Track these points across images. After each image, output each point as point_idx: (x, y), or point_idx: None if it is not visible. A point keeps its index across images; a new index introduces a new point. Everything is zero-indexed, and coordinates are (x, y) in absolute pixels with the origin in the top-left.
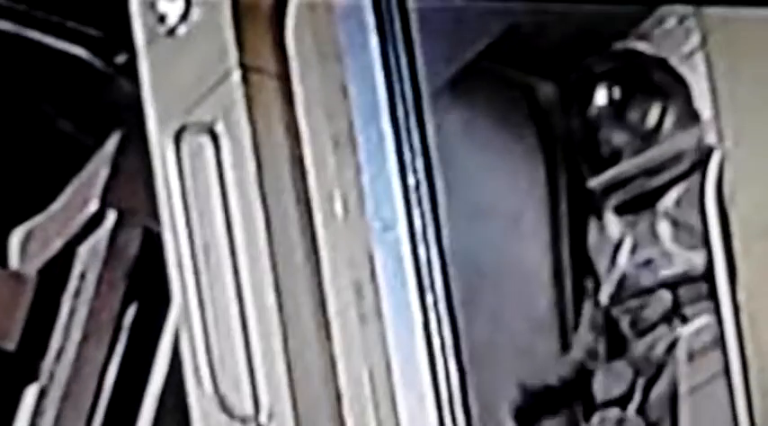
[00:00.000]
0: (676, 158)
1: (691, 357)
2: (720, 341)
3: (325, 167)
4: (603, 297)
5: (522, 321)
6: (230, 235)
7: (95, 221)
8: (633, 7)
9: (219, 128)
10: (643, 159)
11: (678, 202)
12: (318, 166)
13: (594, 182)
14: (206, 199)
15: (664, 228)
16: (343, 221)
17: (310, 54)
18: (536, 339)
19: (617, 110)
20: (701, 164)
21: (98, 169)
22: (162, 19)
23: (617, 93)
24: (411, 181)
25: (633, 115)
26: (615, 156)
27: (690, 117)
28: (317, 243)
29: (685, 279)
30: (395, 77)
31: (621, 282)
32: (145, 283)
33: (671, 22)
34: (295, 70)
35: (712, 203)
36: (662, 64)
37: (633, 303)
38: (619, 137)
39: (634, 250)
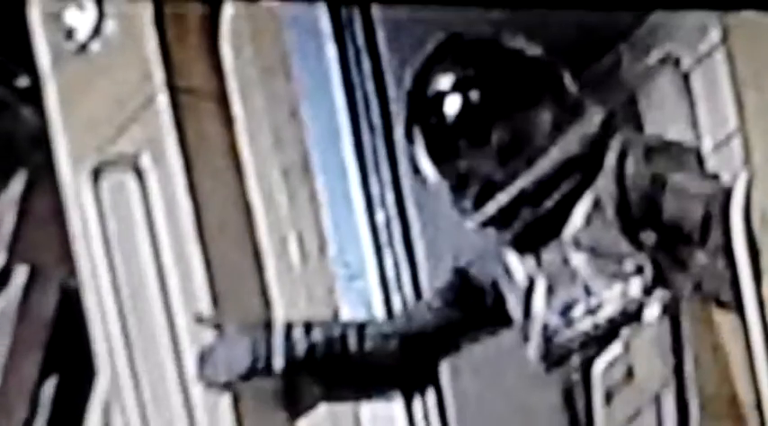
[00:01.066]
0: (565, 168)
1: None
2: None
3: (275, 204)
4: (532, 355)
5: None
6: (163, 288)
7: (2, 279)
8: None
9: (145, 162)
10: (525, 180)
11: (588, 221)
12: (267, 203)
13: (473, 221)
14: (132, 247)
15: (578, 259)
16: (301, 267)
17: (252, 70)
18: None
19: (473, 129)
20: (594, 164)
21: (1, 216)
22: (70, 34)
23: (465, 106)
24: (380, 218)
25: (499, 133)
26: (489, 186)
27: (569, 112)
28: (270, 294)
29: (623, 318)
30: (358, 95)
31: (548, 336)
32: (65, 350)
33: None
34: (234, 90)
35: (740, 228)
36: (519, 54)
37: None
38: (485, 163)
39: (549, 292)
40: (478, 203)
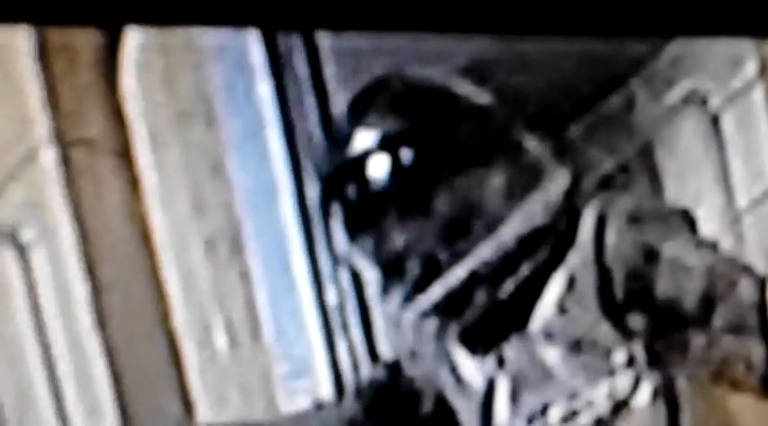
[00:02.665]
0: (527, 243)
1: None
2: None
3: (196, 284)
4: None
5: None
6: (57, 398)
7: None
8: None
9: (28, 234)
10: (476, 258)
11: (561, 308)
12: (186, 283)
13: (411, 312)
14: (14, 346)
15: (551, 355)
16: (230, 359)
17: (164, 115)
18: None
19: (407, 196)
20: (564, 237)
21: None
22: None
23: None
24: (331, 297)
25: (440, 201)
26: (431, 267)
27: (527, 175)
28: (192, 396)
29: (611, 417)
30: (301, 143)
31: None
32: None
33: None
34: (142, 140)
35: None
36: (464, 103)
37: None
38: (424, 239)
39: (515, 397)
40: (418, 288)
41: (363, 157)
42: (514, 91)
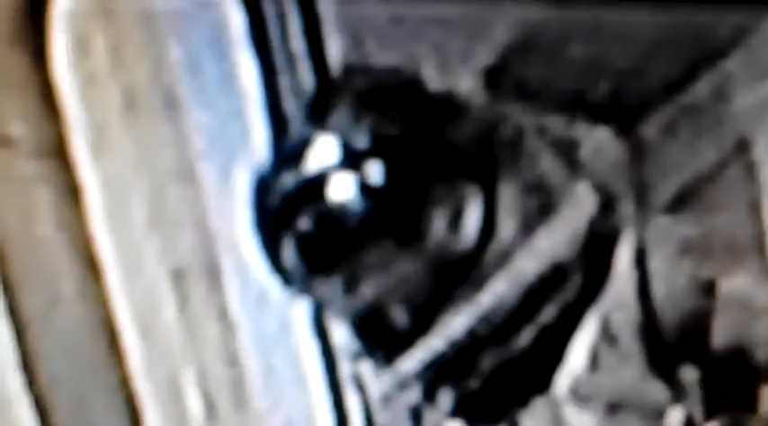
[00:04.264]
0: (546, 283)
1: None
2: None
3: (159, 325)
4: None
5: None
6: None
7: None
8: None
9: None
10: (475, 307)
11: (594, 361)
12: (147, 324)
13: (386, 383)
14: None
15: (584, 421)
16: None
17: (111, 106)
18: None
19: (378, 229)
20: (594, 271)
21: None
22: None
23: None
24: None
25: (429, 233)
26: (422, 317)
27: (538, 195)
28: None
29: None
30: (293, 127)
31: None
32: None
33: None
34: (81, 139)
35: None
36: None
37: None
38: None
39: None
40: (401, 347)
41: (323, 176)
42: (545, 80)
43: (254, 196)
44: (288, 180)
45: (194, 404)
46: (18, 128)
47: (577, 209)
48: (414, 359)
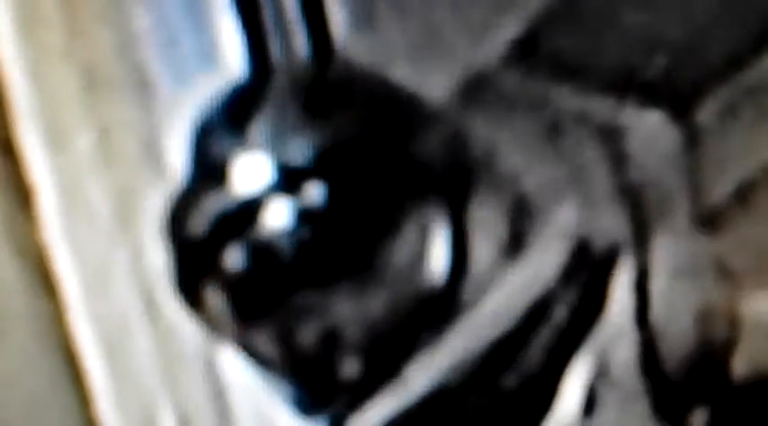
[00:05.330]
0: (536, 313)
1: None
2: None
3: (131, 354)
4: None
5: None
6: None
7: None
8: None
9: None
10: (452, 350)
11: (590, 405)
12: (116, 354)
13: None
14: None
15: None
16: None
17: (67, 88)
18: None
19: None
20: (586, 304)
21: None
22: None
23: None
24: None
25: (387, 264)
26: (380, 367)
27: (515, 217)
28: None
29: None
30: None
31: None
32: None
33: None
34: (31, 129)
35: None
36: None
37: None
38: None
39: None
40: (355, 404)
41: (257, 201)
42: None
43: (170, 223)
44: (212, 205)
45: None
46: None
47: (562, 233)
48: (374, 416)
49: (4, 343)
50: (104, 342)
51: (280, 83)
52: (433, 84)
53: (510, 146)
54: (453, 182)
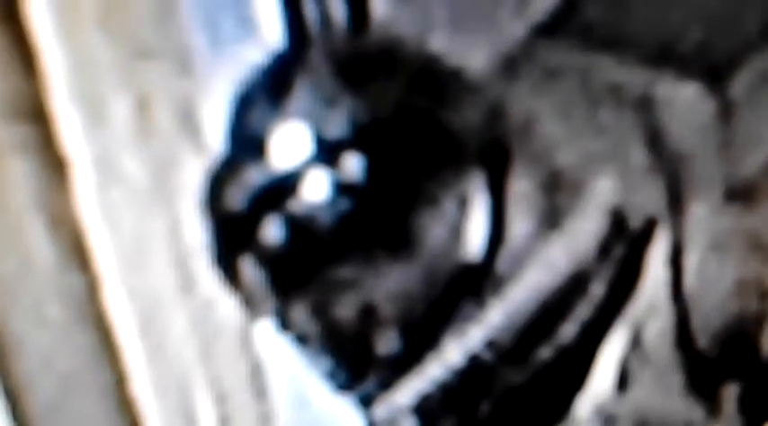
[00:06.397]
0: (571, 288)
1: None
2: None
3: (175, 346)
4: None
5: None
6: None
7: None
8: None
9: None
10: (488, 324)
11: (623, 381)
12: (163, 351)
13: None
14: None
15: None
16: None
17: (106, 59)
18: None
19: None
20: (621, 277)
21: None
22: None
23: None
24: None
25: (424, 238)
26: (418, 340)
27: (561, 190)
28: None
29: None
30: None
31: None
32: None
33: None
34: (67, 102)
35: None
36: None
37: None
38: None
39: None
40: (394, 377)
41: (296, 174)
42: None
43: (208, 196)
44: (251, 178)
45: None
46: None
47: (599, 205)
48: (409, 390)
49: (38, 319)
50: (140, 318)
51: (318, 53)
52: (473, 55)
53: (548, 118)
54: (492, 155)
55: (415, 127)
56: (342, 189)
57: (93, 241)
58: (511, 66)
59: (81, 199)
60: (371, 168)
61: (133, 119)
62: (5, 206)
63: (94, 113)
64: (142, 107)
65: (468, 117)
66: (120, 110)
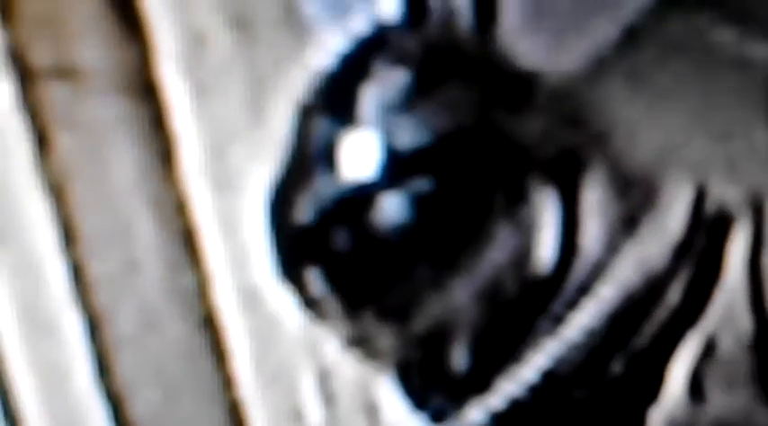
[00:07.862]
0: (647, 295)
1: None
2: None
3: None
4: None
5: None
6: None
7: None
8: None
9: None
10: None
11: (696, 387)
12: (263, 333)
13: None
14: None
15: None
16: None
17: (215, 23)
18: None
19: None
20: (696, 282)
21: None
22: None
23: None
24: None
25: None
26: (492, 353)
27: (636, 194)
28: None
29: None
30: None
31: None
32: None
33: None
34: (174, 71)
35: None
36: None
37: None
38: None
39: None
40: (466, 391)
41: (370, 188)
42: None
43: (274, 206)
44: (325, 189)
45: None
46: (88, 56)
47: (676, 207)
48: (482, 407)
49: (137, 289)
50: (246, 309)
51: (388, 58)
52: (558, 58)
53: (637, 117)
54: (567, 165)
55: (489, 137)
56: (411, 200)
57: (204, 234)
58: (599, 68)
59: (187, 180)
60: (441, 180)
61: (247, 95)
62: (108, 189)
63: (205, 89)
64: (255, 86)
65: (542, 124)
66: (234, 86)
